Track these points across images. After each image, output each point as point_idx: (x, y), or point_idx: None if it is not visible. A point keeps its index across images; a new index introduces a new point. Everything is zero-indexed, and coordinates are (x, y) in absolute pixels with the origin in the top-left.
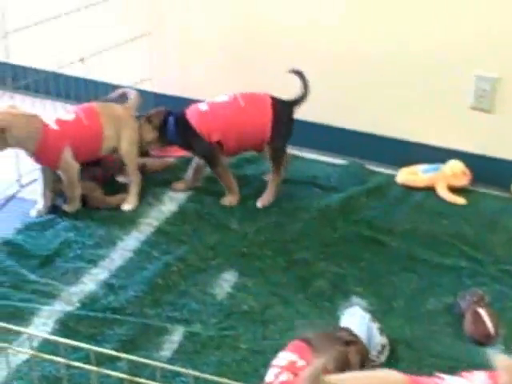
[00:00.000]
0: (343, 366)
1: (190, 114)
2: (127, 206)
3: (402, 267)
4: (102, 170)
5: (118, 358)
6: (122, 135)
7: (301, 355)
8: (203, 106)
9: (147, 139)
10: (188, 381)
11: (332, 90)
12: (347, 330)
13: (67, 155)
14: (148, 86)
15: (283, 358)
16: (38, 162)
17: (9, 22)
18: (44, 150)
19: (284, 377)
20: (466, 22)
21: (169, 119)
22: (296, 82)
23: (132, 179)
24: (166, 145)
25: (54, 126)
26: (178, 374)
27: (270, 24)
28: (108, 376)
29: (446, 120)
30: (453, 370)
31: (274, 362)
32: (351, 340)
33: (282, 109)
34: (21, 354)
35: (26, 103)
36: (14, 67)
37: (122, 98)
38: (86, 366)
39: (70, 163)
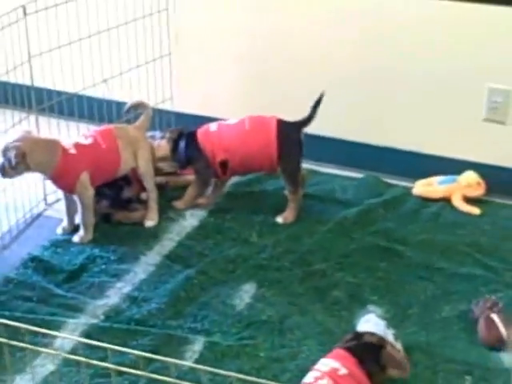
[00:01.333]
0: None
1: (200, 133)
2: (149, 223)
3: (418, 276)
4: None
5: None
6: (138, 155)
7: (343, 363)
8: (213, 127)
9: (159, 155)
10: None
11: (348, 104)
12: (371, 334)
13: (84, 179)
14: (169, 106)
15: (325, 363)
16: (55, 185)
17: (32, 45)
18: (61, 174)
19: (324, 382)
20: (478, 34)
21: (181, 137)
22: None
23: (150, 196)
24: (177, 162)
25: (72, 150)
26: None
27: (287, 43)
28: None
29: (461, 132)
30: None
31: (316, 366)
32: (382, 344)
33: (288, 131)
34: (47, 365)
35: (50, 125)
36: (38, 90)
37: (138, 109)
38: (133, 371)
39: (86, 188)
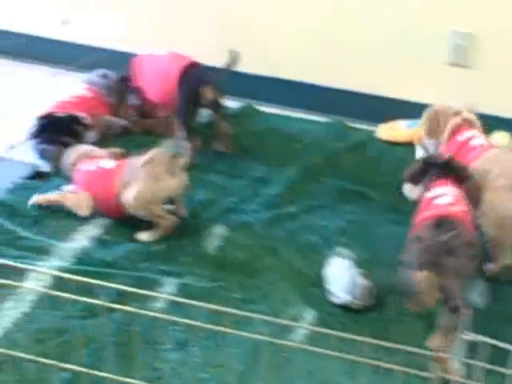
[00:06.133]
0: None
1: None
2: (143, 237)
3: (387, 219)
4: None
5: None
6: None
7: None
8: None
9: None
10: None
11: (313, 49)
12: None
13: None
14: (123, 47)
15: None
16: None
17: None
18: None
19: (457, 208)
20: None
21: None
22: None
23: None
24: None
25: None
26: (174, 323)
27: None
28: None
29: (424, 76)
30: None
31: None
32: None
33: (191, 80)
34: (18, 308)
35: (8, 67)
36: None
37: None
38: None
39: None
